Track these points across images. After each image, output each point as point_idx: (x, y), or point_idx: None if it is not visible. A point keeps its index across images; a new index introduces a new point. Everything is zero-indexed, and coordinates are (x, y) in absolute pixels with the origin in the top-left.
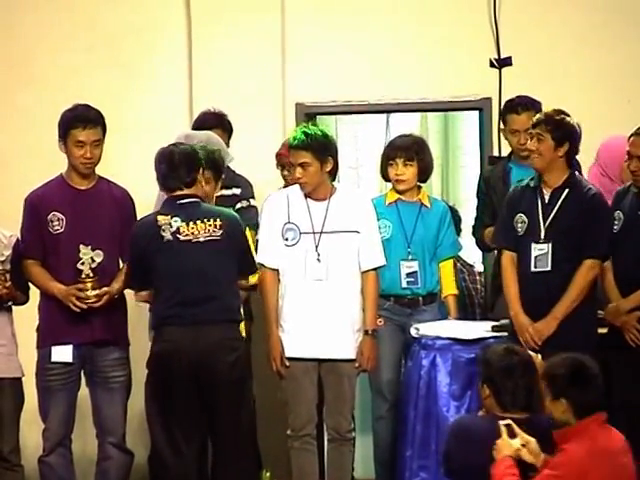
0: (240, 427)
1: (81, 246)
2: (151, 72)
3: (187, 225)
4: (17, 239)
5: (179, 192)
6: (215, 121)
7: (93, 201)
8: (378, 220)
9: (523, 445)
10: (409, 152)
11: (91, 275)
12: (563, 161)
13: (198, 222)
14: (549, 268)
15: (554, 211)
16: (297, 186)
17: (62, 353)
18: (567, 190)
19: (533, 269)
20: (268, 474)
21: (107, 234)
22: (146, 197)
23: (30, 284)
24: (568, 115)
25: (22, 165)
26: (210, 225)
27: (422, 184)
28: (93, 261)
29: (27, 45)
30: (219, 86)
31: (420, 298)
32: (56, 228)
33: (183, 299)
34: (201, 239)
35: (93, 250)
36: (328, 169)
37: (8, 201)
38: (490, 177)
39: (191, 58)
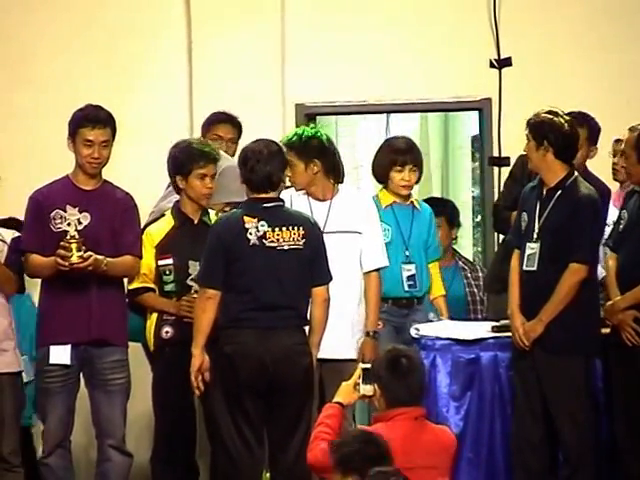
0: (306, 426)
1: (68, 206)
2: (151, 73)
3: (273, 231)
4: (17, 237)
5: (264, 195)
6: (225, 116)
7: (97, 202)
8: None
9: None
10: (415, 157)
11: (77, 237)
12: (553, 161)
13: (284, 229)
14: (535, 268)
15: (546, 211)
16: None
17: (60, 355)
18: (560, 191)
19: (524, 268)
20: (268, 475)
21: (108, 234)
22: (145, 196)
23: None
24: (553, 114)
25: (20, 165)
26: (295, 233)
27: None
28: (80, 223)
29: (25, 45)
30: (219, 87)
31: (415, 299)
32: (58, 226)
33: (260, 304)
34: (285, 247)
35: (80, 212)
36: (315, 171)
37: (7, 201)
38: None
39: (191, 59)
